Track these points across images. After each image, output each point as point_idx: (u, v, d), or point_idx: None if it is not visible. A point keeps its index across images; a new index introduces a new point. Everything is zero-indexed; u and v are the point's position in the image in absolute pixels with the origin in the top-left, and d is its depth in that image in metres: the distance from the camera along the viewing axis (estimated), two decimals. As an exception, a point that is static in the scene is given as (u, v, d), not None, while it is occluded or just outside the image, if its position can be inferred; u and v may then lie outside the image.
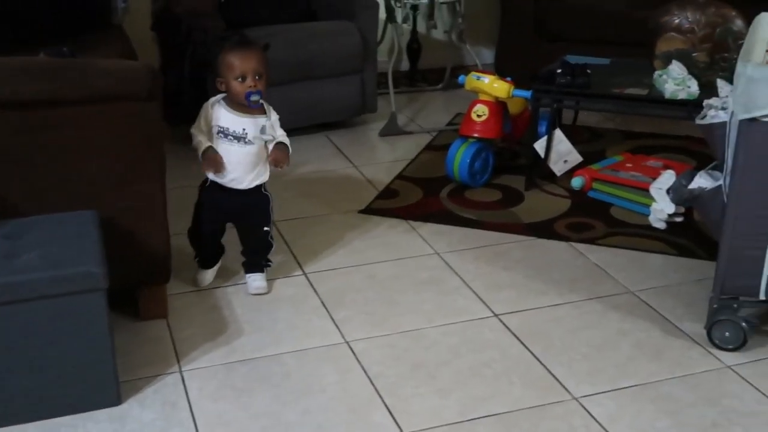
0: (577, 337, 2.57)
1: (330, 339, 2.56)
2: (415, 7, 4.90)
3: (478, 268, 2.97)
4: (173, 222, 2.62)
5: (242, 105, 2.57)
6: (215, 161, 2.60)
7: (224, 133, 2.60)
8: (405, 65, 5.28)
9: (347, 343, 2.54)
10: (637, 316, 2.68)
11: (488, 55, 5.24)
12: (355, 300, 2.77)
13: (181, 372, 2.40)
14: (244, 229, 2.80)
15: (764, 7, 2.95)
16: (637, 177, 3.45)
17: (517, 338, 2.56)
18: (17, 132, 2.27)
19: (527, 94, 3.50)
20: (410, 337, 2.57)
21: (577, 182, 3.53)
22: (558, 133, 3.56)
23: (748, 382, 2.36)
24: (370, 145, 4.17)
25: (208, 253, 2.84)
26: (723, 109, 2.52)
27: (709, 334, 2.51)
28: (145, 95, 2.35)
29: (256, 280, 2.80)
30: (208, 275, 2.84)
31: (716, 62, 3.37)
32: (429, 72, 5.24)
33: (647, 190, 3.29)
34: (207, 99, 3.78)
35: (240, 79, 2.53)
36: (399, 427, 2.18)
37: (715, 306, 2.49)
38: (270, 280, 2.86)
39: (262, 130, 2.61)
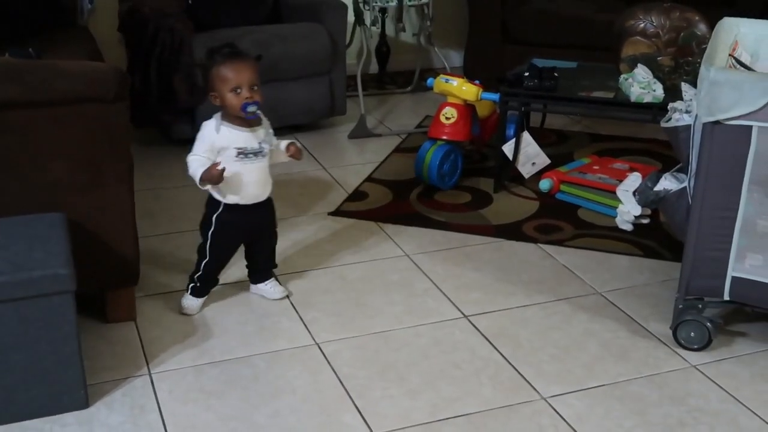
0: (545, 337, 2.60)
1: (300, 341, 2.56)
2: (383, 10, 4.92)
3: (448, 270, 2.98)
4: (142, 224, 2.62)
5: (239, 118, 2.48)
6: (215, 173, 2.44)
7: (244, 153, 2.50)
8: (374, 68, 5.29)
9: (317, 344, 2.54)
10: (604, 316, 2.71)
11: (457, 58, 5.27)
12: (324, 302, 2.77)
13: (150, 374, 2.38)
14: (259, 242, 2.72)
15: (727, 12, 3.00)
16: (604, 179, 3.48)
17: (486, 339, 2.58)
18: (-18, 133, 2.24)
19: (495, 97, 3.53)
20: (380, 338, 2.58)
21: (545, 184, 3.56)
22: (526, 136, 3.59)
23: (713, 381, 2.39)
24: (340, 147, 4.17)
25: (212, 281, 2.71)
26: (687, 112, 2.56)
27: (674, 334, 2.54)
28: (112, 97, 2.33)
29: (276, 285, 2.77)
30: (199, 303, 2.70)
31: (681, 66, 3.42)
32: (398, 75, 5.26)
33: (614, 192, 3.33)
34: (174, 101, 3.82)
35: (235, 91, 2.44)
36: (369, 428, 2.19)
37: (680, 306, 2.52)
38: (238, 282, 2.86)
39: (268, 138, 2.58)
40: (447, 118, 3.56)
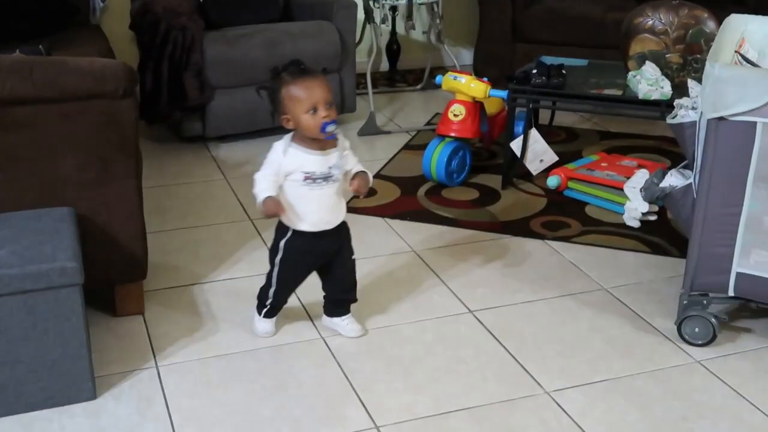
0: (550, 333, 2.61)
1: (305, 335, 2.58)
2: (393, 8, 4.94)
3: (454, 266, 3.00)
4: (151, 220, 2.64)
5: (312, 140, 2.28)
6: (275, 206, 2.30)
7: (312, 178, 2.30)
8: (385, 66, 5.32)
9: (323, 338, 2.56)
10: (609, 312, 2.72)
11: (467, 56, 5.28)
12: (331, 297, 2.79)
13: (157, 367, 2.41)
14: (332, 270, 2.51)
15: (737, 10, 3.00)
16: (611, 176, 3.49)
17: (492, 334, 2.59)
18: (-7, 129, 2.28)
19: (504, 94, 3.54)
20: (385, 333, 2.60)
21: (552, 181, 3.57)
22: (534, 133, 3.60)
23: (717, 376, 2.40)
24: (349, 144, 4.17)
25: (283, 303, 2.55)
26: (693, 108, 2.57)
27: (679, 329, 2.54)
28: (120, 93, 2.36)
29: (353, 322, 2.57)
30: (273, 323, 2.57)
31: (689, 63, 3.42)
32: (408, 73, 5.29)
33: (622, 189, 3.33)
34: (185, 99, 3.85)
35: (311, 112, 2.24)
36: (373, 422, 2.20)
37: (685, 302, 2.53)
38: (246, 277, 2.89)
39: (340, 161, 2.35)
40: (455, 116, 3.57)
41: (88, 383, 2.23)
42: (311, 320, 2.65)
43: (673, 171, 2.71)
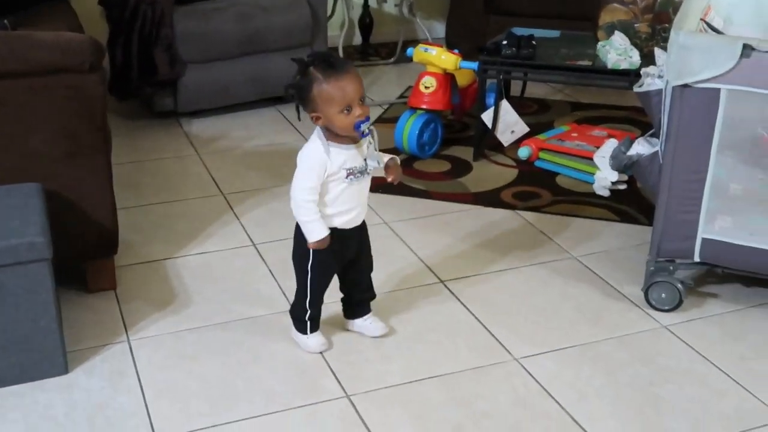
0: (520, 301, 2.64)
1: (277, 307, 2.59)
2: (366, -19, 4.92)
3: (426, 237, 3.02)
4: (123, 196, 2.63)
5: (346, 137, 2.17)
6: (323, 245, 2.22)
7: (353, 174, 2.19)
8: (358, 39, 5.31)
9: (295, 311, 2.58)
10: (579, 280, 2.75)
11: (440, 29, 5.27)
12: (303, 269, 2.80)
13: (129, 341, 2.42)
14: (354, 270, 2.40)
15: (702, -23, 3.01)
16: (582, 146, 3.51)
17: (462, 304, 2.61)
18: (-42, 105, 2.27)
19: (474, 65, 3.55)
20: (357, 304, 2.62)
21: (524, 152, 3.59)
22: (505, 104, 3.61)
23: (683, 341, 2.44)
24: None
25: (320, 311, 2.40)
26: (660, 77, 2.59)
27: (646, 295, 2.58)
28: (87, 67, 2.35)
29: (376, 320, 2.46)
30: (320, 335, 2.41)
31: (657, 32, 3.44)
32: (382, 46, 5.28)
33: (592, 159, 3.36)
34: (155, 74, 3.83)
35: (345, 111, 2.10)
36: (344, 391, 2.23)
37: (651, 268, 2.56)
38: (219, 251, 2.90)
39: (371, 153, 2.23)
40: (426, 88, 3.58)
41: (59, 358, 2.24)
42: (283, 293, 2.66)
43: (640, 139, 2.73)
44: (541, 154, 3.56)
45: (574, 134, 3.65)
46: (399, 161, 2.35)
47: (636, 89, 2.64)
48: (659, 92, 2.56)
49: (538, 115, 4.08)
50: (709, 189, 2.44)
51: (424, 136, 3.59)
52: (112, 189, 2.55)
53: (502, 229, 3.08)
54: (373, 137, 2.20)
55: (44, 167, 2.40)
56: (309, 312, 2.36)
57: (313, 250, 2.24)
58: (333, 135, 2.17)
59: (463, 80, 3.77)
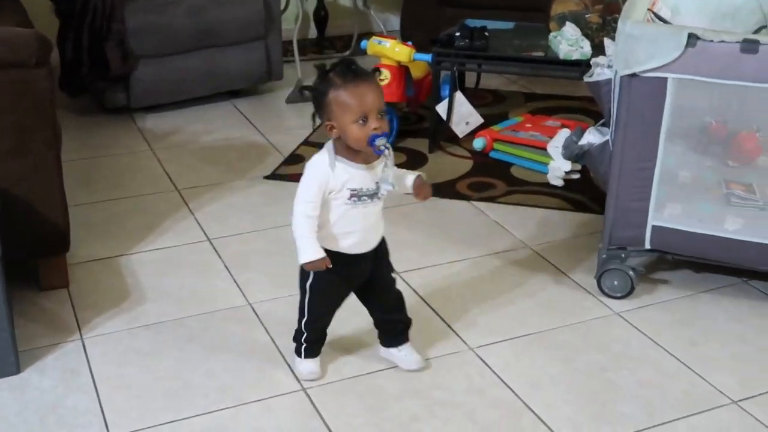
0: (475, 291, 2.65)
1: (234, 301, 2.58)
2: (320, -26, 4.90)
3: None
4: (76, 193, 2.60)
5: (356, 152, 2.02)
6: (321, 263, 2.06)
7: (358, 196, 2.05)
8: (313, 33, 5.29)
9: (250, 305, 2.57)
10: (533, 270, 2.78)
11: (395, 22, 5.27)
12: (259, 263, 2.80)
13: (82, 339, 2.40)
14: (376, 289, 2.24)
15: (650, -32, 3.05)
16: (535, 137, 3.54)
17: (418, 295, 2.63)
18: None
19: (428, 57, 3.56)
20: (313, 297, 2.62)
21: (478, 143, 3.61)
22: (459, 96, 3.62)
23: (636, 327, 2.47)
24: (277, 112, 4.18)
25: (321, 336, 2.27)
26: (609, 66, 2.62)
27: (599, 283, 2.61)
28: (34, 62, 2.32)
29: (412, 352, 2.29)
30: (317, 363, 2.27)
31: (608, 23, 3.47)
32: (337, 39, 5.27)
33: (545, 150, 3.38)
34: (107, 69, 3.78)
35: (360, 122, 1.97)
36: (300, 384, 2.23)
37: (603, 256, 2.60)
38: (174, 247, 2.88)
39: (385, 176, 2.05)
40: (380, 80, 3.56)
41: (11, 357, 2.21)
42: (239, 288, 2.65)
43: (591, 129, 2.76)
44: (496, 145, 3.59)
45: (528, 125, 3.68)
46: (425, 177, 2.18)
47: (586, 79, 2.67)
48: (609, 82, 2.59)
49: (492, 107, 4.10)
50: (659, 177, 2.48)
51: (379, 129, 3.58)
52: (63, 186, 2.52)
53: (457, 220, 3.10)
54: (388, 158, 2.01)
55: (-8, 164, 2.37)
56: (305, 334, 2.21)
57: (313, 275, 2.11)
58: (346, 150, 2.02)
59: (417, 72, 3.77)
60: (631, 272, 2.57)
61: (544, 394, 2.20)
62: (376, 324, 2.30)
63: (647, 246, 2.56)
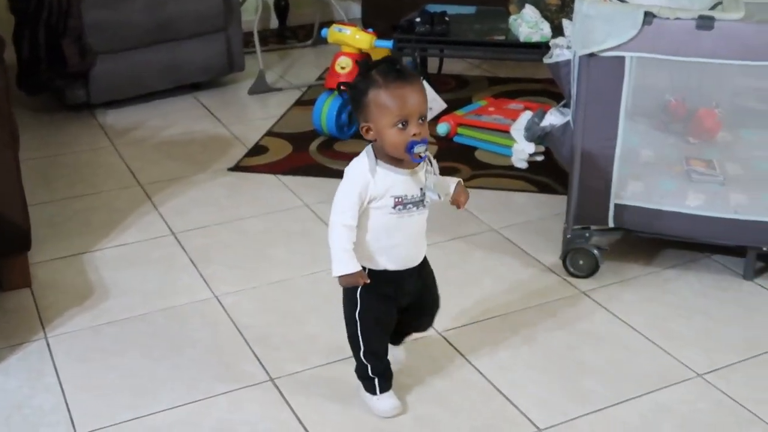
0: (442, 276, 2.59)
1: (199, 295, 2.57)
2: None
3: (348, 218, 3.01)
4: (37, 192, 2.56)
5: (399, 159, 1.87)
6: (358, 278, 1.91)
7: (403, 204, 1.90)
8: (275, 23, 5.26)
9: (216, 297, 2.55)
10: (499, 252, 2.78)
11: (356, 10, 5.26)
12: (224, 256, 2.78)
13: (46, 338, 2.37)
14: (419, 312, 2.12)
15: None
16: (499, 120, 3.55)
17: (385, 281, 2.62)
18: None
19: (389, 44, 3.55)
20: (280, 287, 2.61)
21: (442, 128, 3.61)
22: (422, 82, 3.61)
23: (601, 305, 2.49)
24: (240, 103, 4.15)
25: (387, 364, 2.08)
26: (568, 47, 2.62)
27: (564, 263, 2.63)
28: (-14, 60, 2.29)
29: (402, 350, 2.25)
30: (392, 396, 2.08)
31: (567, 4, 3.49)
32: (299, 29, 5.25)
33: (509, 133, 3.39)
34: (65, 66, 3.74)
35: (400, 126, 1.83)
36: (268, 375, 2.22)
37: (568, 236, 2.61)
38: (137, 243, 2.86)
39: (429, 183, 1.93)
40: (342, 68, 3.56)
41: (-27, 359, 2.19)
42: (204, 281, 2.64)
43: (552, 110, 2.77)
44: (460, 130, 3.59)
45: (491, 108, 3.69)
46: (463, 185, 2.06)
47: (546, 61, 2.68)
48: (568, 63, 2.59)
49: (456, 92, 4.10)
50: (620, 156, 2.49)
51: (343, 117, 3.58)
52: (22, 185, 2.49)
53: (423, 205, 3.09)
54: (431, 164, 1.92)
55: (-53, 165, 2.34)
56: (369, 367, 2.04)
57: (361, 297, 1.96)
58: (384, 155, 1.88)
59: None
60: (595, 251, 2.58)
61: (513, 376, 2.20)
62: (399, 329, 2.14)
63: (611, 224, 2.57)
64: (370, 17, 4.87)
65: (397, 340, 2.22)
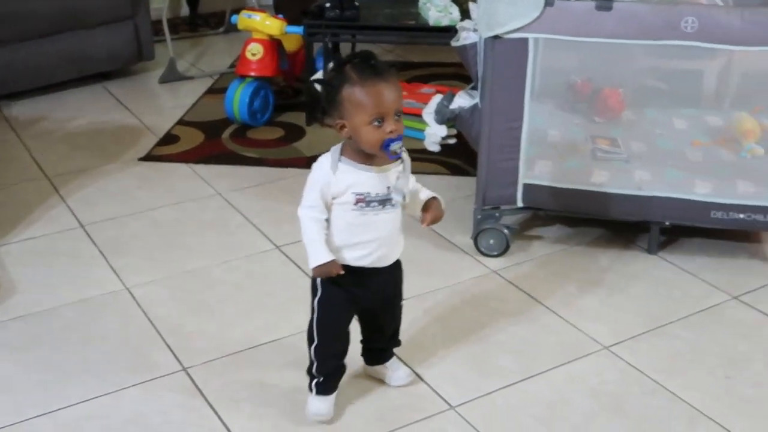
0: (356, 260, 2.66)
1: (109, 287, 2.53)
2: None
3: (262, 205, 3.00)
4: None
5: (366, 154, 1.84)
6: (330, 268, 1.87)
7: (366, 201, 1.86)
8: (185, 11, 5.18)
9: (127, 289, 2.52)
10: (411, 235, 2.73)
11: (269, -4, 5.22)
12: (135, 247, 2.74)
13: (-51, 337, 2.31)
14: (381, 315, 2.08)
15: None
16: (411, 104, 3.56)
17: (298, 267, 2.62)
18: None
19: (300, 30, 3.53)
20: (193, 277, 2.58)
21: (355, 114, 3.60)
22: (333, 67, 3.61)
23: (512, 283, 2.53)
24: (151, 92, 4.08)
25: (336, 368, 2.04)
26: (474, 30, 2.65)
27: (475, 243, 2.66)
28: None
29: (400, 368, 2.16)
30: (331, 402, 2.03)
31: (475, -12, 3.51)
32: (211, 16, 5.18)
33: (421, 116, 3.41)
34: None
35: (375, 123, 1.79)
36: (181, 364, 2.20)
37: (479, 217, 2.65)
38: (44, 236, 2.79)
39: (399, 185, 1.87)
40: (253, 54, 3.54)
41: None
42: (115, 273, 2.59)
43: (461, 92, 2.80)
44: (373, 115, 3.59)
45: (404, 93, 3.69)
46: (442, 202, 2.02)
47: (453, 43, 2.71)
48: (474, 45, 2.63)
49: (369, 77, 4.10)
50: (527, 136, 2.53)
51: (255, 104, 3.55)
52: None
53: (337, 190, 3.09)
54: (404, 164, 1.86)
55: None
56: (315, 364, 1.99)
57: (323, 285, 1.93)
58: (353, 151, 1.85)
59: (291, 45, 3.75)
60: (505, 230, 2.62)
61: (425, 354, 2.23)
62: (366, 346, 2.14)
63: (520, 204, 2.62)
64: (283, 3, 4.82)
65: (369, 359, 2.16)
